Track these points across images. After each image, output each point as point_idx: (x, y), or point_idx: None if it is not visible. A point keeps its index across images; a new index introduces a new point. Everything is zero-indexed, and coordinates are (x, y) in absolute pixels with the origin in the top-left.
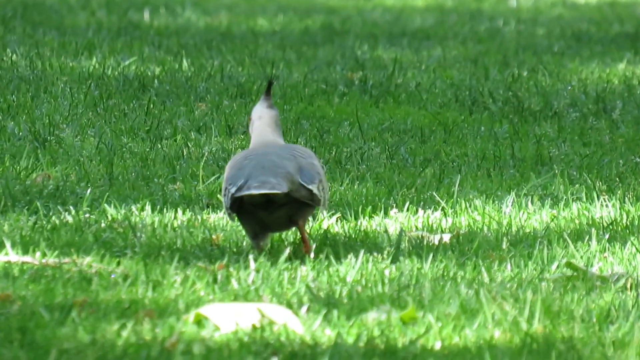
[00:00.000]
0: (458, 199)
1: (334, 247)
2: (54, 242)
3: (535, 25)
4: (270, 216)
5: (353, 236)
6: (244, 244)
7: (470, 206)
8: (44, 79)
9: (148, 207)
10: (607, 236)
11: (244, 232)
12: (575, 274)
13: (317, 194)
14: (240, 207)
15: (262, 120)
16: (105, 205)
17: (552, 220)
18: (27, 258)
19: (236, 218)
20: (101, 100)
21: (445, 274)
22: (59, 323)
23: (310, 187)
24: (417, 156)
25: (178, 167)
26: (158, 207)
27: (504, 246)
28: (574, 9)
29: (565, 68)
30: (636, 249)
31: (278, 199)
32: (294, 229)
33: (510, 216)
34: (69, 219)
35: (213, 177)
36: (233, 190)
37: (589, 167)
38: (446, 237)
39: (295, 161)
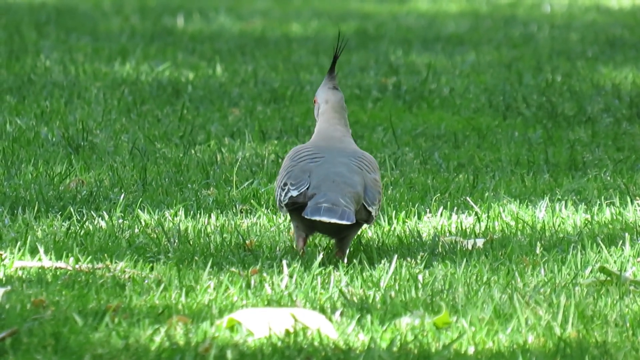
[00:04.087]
0: (491, 204)
1: (368, 252)
2: (88, 247)
3: (569, 30)
4: (323, 226)
5: (386, 241)
6: (278, 249)
7: (503, 211)
8: (77, 84)
9: (181, 213)
10: None
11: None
12: (608, 278)
13: (374, 216)
14: (295, 209)
15: (329, 105)
16: (139, 210)
17: (586, 225)
18: (61, 264)
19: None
20: (135, 106)
21: (478, 278)
22: (93, 328)
23: (370, 208)
24: (451, 161)
25: (211, 172)
26: (191, 212)
27: (537, 251)
28: (607, 14)
29: (599, 73)
30: None
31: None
32: None
33: (543, 221)
34: (103, 224)
35: (247, 183)
36: (295, 193)
37: (622, 171)
38: (480, 242)
39: (361, 175)
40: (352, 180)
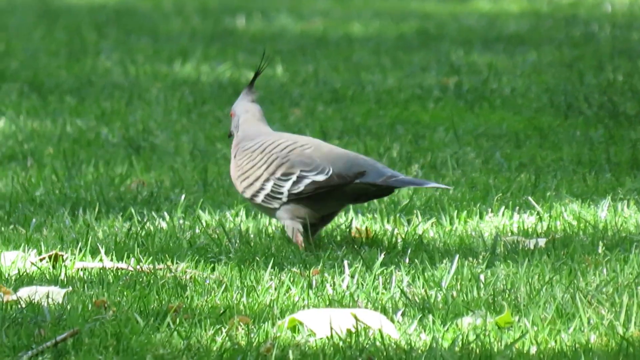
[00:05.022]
0: (553, 204)
1: (429, 252)
2: (149, 248)
3: (631, 29)
4: (319, 211)
5: (448, 241)
6: (339, 251)
7: (565, 210)
8: (137, 85)
9: (242, 213)
10: None
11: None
12: None
13: None
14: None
15: (249, 114)
16: (200, 211)
17: None
18: (122, 264)
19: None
20: (195, 107)
21: (540, 278)
22: (154, 329)
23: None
24: (513, 161)
25: None
26: (252, 212)
27: (599, 250)
28: None
29: None
30: None
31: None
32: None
33: (606, 220)
34: (164, 225)
35: None
36: (321, 177)
37: None
38: (541, 242)
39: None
40: (354, 154)
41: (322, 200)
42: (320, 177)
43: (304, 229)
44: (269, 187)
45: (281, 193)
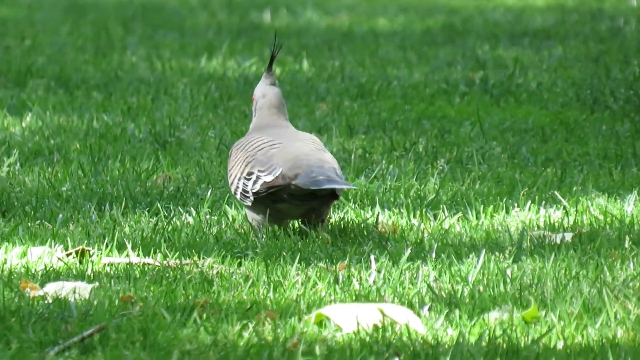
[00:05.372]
0: (579, 198)
1: (456, 247)
2: (175, 243)
3: None
4: (296, 209)
5: (474, 236)
6: (365, 246)
7: (592, 205)
8: (164, 80)
9: None
10: None
11: (253, 225)
12: None
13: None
14: (263, 196)
15: (266, 99)
16: (226, 206)
17: None
18: (149, 260)
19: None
20: (221, 102)
21: (567, 273)
22: (181, 324)
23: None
24: (539, 155)
25: None
26: None
27: (626, 245)
28: None
29: None
30: None
31: (325, 194)
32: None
33: (632, 214)
34: (190, 220)
35: None
36: (268, 178)
37: None
38: (568, 236)
39: (327, 153)
40: (325, 157)
41: (277, 202)
42: (269, 178)
43: (262, 228)
44: (241, 185)
45: (247, 192)
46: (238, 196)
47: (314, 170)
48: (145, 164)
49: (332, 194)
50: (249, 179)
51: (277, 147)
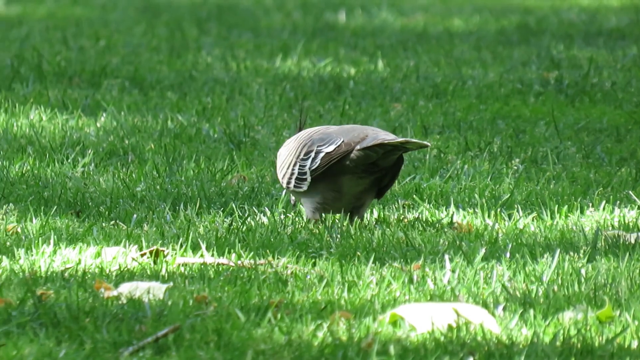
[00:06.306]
0: None
1: (530, 247)
2: (249, 243)
3: None
4: (357, 184)
5: (549, 235)
6: (440, 246)
7: None
8: (238, 80)
9: None
10: None
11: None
12: None
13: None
14: (322, 175)
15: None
16: (301, 205)
17: None
18: (223, 260)
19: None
20: (296, 102)
21: None
22: (255, 324)
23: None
24: (613, 155)
25: None
26: None
27: None
28: None
29: None
30: None
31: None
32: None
33: None
34: (264, 220)
35: (408, 178)
36: (330, 148)
37: None
38: None
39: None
40: (379, 130)
41: (338, 177)
42: (330, 148)
43: (323, 213)
44: (296, 170)
45: (305, 173)
46: (292, 184)
47: (379, 134)
48: (219, 164)
49: (399, 160)
50: (306, 158)
51: (332, 128)
